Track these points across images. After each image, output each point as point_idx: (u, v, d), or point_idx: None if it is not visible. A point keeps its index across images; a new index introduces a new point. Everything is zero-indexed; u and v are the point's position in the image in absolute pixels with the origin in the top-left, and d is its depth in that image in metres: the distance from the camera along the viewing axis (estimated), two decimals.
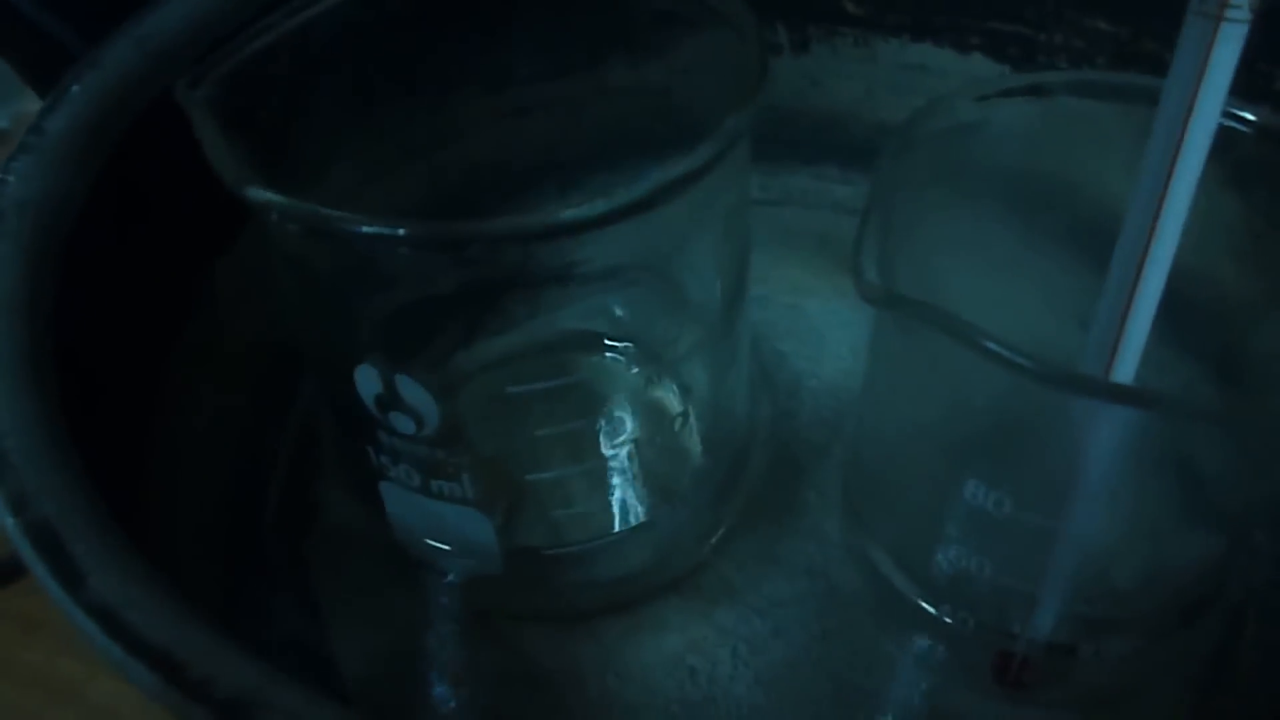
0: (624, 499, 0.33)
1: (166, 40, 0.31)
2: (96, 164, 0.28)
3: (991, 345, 0.22)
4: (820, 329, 0.39)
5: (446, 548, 0.30)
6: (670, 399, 0.35)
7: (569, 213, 0.23)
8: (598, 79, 0.35)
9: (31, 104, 0.54)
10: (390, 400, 0.27)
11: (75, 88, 0.29)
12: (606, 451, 0.32)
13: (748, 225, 0.31)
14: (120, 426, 0.27)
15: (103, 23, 0.32)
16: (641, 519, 0.32)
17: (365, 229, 0.22)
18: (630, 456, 0.33)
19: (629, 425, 0.33)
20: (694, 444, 0.34)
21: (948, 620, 0.29)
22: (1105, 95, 0.29)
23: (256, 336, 0.34)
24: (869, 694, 0.30)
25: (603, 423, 0.32)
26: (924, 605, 0.29)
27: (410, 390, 0.26)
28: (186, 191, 0.30)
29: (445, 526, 0.29)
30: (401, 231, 0.22)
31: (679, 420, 0.34)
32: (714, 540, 0.33)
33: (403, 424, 0.27)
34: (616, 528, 0.32)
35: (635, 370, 0.36)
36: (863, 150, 0.41)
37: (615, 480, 0.33)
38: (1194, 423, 0.25)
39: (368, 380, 0.26)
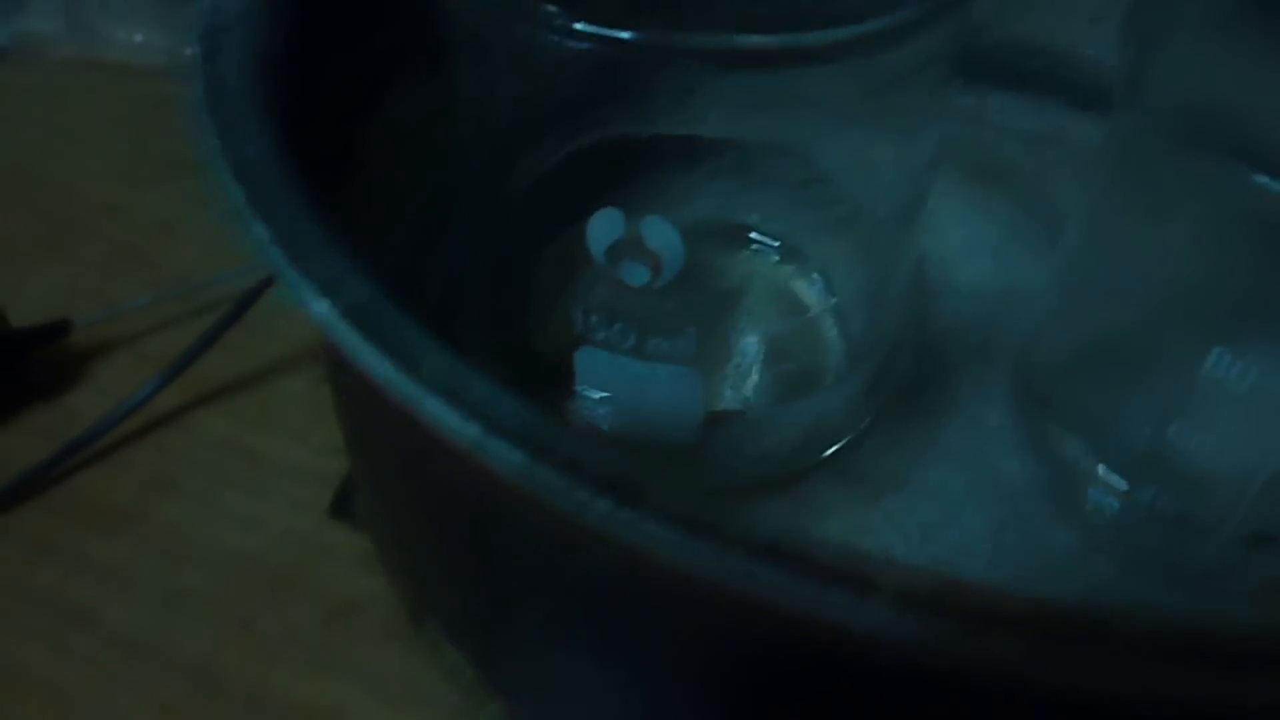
0: (772, 379, 0.32)
1: None
2: None
3: None
4: (967, 235, 0.39)
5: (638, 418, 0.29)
6: (813, 293, 0.34)
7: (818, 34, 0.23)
8: None
9: (30, 21, 0.51)
10: (628, 247, 0.25)
11: None
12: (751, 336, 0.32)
13: (937, 141, 0.30)
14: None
15: None
16: (787, 400, 0.32)
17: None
18: (772, 343, 0.33)
19: (772, 313, 0.32)
20: (839, 340, 0.34)
21: (1150, 505, 0.28)
22: None
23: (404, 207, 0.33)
24: (1050, 582, 0.30)
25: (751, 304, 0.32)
26: (1125, 490, 0.29)
27: (658, 231, 0.25)
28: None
29: (647, 393, 0.28)
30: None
31: (823, 313, 0.34)
32: (862, 426, 0.33)
33: (635, 274, 0.26)
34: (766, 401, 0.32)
35: (779, 261, 0.35)
36: (984, 61, 0.40)
37: (763, 359, 0.32)
38: None
39: (605, 226, 0.25)
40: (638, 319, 0.27)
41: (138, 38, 0.51)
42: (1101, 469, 0.29)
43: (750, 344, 0.32)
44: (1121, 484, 0.29)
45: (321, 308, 0.19)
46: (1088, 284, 0.30)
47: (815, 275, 0.34)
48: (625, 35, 0.23)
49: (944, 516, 0.31)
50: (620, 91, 0.28)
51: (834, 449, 0.33)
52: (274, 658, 0.32)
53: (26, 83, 0.52)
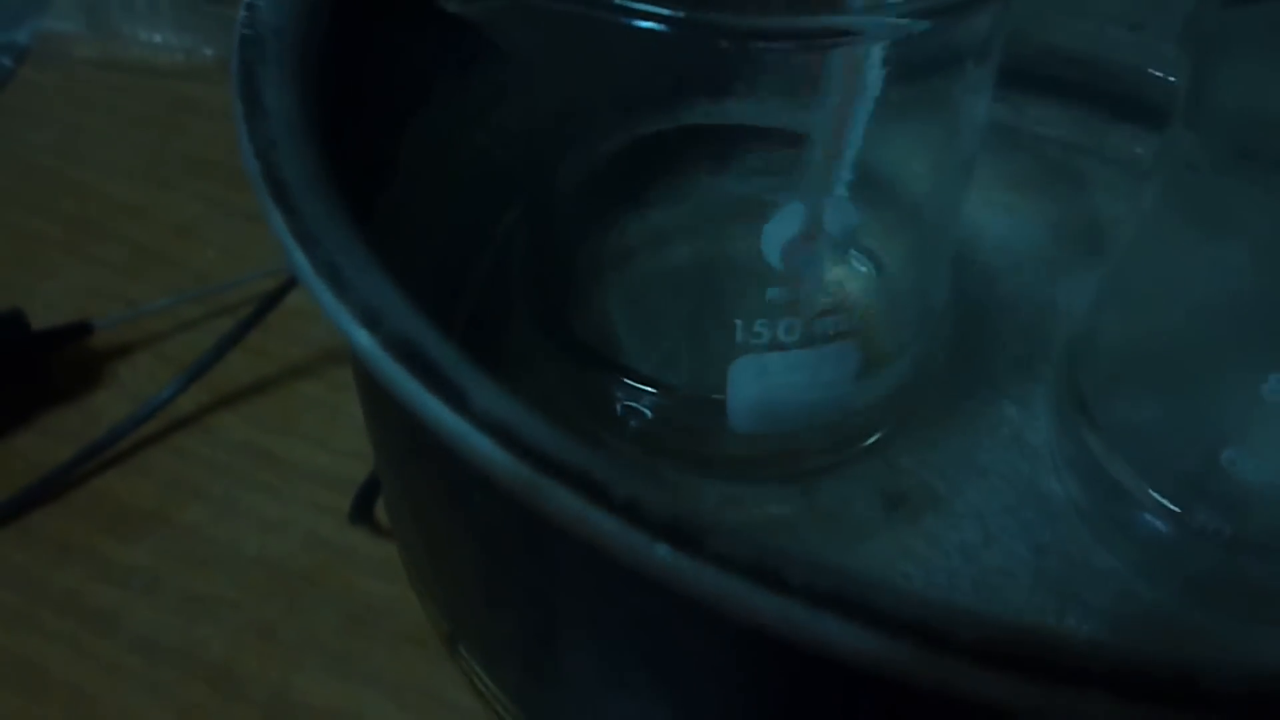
0: None
1: None
2: None
3: None
4: (1006, 246, 0.38)
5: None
6: (855, 282, 0.33)
7: None
8: None
9: (51, 21, 0.51)
10: (803, 240, 0.25)
11: None
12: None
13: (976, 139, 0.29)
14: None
15: None
16: None
17: None
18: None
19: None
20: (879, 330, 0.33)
21: (1201, 529, 0.28)
22: None
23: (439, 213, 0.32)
24: (1095, 611, 0.29)
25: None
26: (1176, 513, 0.28)
27: (840, 211, 0.24)
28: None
29: (816, 378, 0.28)
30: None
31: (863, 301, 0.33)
32: (886, 429, 0.32)
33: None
34: None
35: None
36: (1022, 70, 0.40)
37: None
38: None
39: (784, 225, 0.25)
40: (806, 308, 0.26)
41: (158, 38, 0.50)
42: (1150, 491, 0.28)
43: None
44: (1172, 507, 0.28)
45: (363, 339, 0.18)
46: (1137, 299, 0.30)
47: (854, 265, 0.33)
48: (668, 12, 0.23)
49: (984, 538, 0.30)
50: (661, 83, 0.28)
51: (860, 446, 0.32)
52: (295, 662, 0.32)
53: (47, 82, 0.51)
